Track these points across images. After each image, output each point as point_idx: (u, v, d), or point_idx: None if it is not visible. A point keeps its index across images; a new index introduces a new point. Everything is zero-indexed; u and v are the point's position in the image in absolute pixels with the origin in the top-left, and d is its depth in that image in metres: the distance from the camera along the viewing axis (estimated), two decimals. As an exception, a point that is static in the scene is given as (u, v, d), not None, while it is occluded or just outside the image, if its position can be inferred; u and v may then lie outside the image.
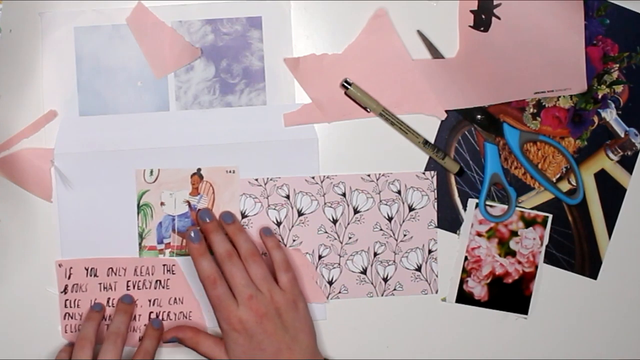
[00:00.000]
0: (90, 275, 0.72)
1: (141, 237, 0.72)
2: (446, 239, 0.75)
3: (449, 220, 0.75)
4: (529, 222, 0.75)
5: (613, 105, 0.75)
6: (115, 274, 0.72)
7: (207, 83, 0.72)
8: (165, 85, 0.72)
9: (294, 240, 0.73)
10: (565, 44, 0.74)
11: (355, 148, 0.73)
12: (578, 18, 0.74)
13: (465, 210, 0.75)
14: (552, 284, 0.76)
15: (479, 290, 0.75)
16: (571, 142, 0.75)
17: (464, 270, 0.75)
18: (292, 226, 0.73)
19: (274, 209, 0.73)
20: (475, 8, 0.73)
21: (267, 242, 0.71)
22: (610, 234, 0.76)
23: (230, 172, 0.72)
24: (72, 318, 0.72)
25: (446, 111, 0.74)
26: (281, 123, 0.72)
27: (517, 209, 0.75)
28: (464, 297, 0.75)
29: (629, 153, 0.76)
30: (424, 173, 0.73)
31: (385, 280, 0.73)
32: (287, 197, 0.72)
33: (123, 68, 0.72)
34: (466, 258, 0.75)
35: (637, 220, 0.76)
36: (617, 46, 0.75)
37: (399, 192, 0.73)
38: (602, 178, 0.76)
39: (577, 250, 0.76)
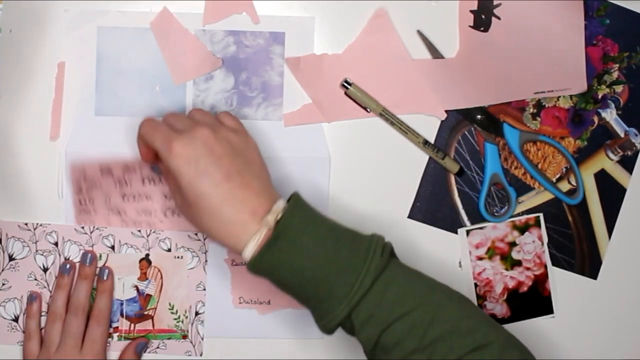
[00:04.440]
0: (105, 175, 0.71)
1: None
2: (446, 239, 0.75)
3: (449, 220, 0.75)
4: (523, 229, 0.75)
5: (613, 105, 0.75)
6: (131, 172, 0.71)
7: (225, 94, 0.72)
8: (183, 92, 0.72)
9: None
10: (565, 44, 0.74)
11: (355, 148, 0.73)
12: (578, 18, 0.74)
13: (465, 210, 0.75)
14: (552, 284, 0.76)
15: (499, 309, 0.75)
16: (571, 142, 0.75)
17: (478, 296, 0.75)
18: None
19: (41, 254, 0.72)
20: (475, 8, 0.73)
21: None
22: (610, 234, 0.76)
23: (178, 257, 0.72)
24: (87, 214, 0.71)
25: (446, 111, 0.74)
26: (295, 140, 0.73)
27: (508, 220, 0.75)
28: None
29: (629, 153, 0.76)
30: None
31: None
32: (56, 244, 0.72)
33: (142, 71, 0.72)
34: (476, 285, 0.75)
35: (637, 220, 0.76)
36: (617, 46, 0.75)
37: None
38: (602, 178, 0.76)
39: (577, 250, 0.76)
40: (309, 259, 0.58)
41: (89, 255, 0.71)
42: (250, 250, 0.59)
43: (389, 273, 0.59)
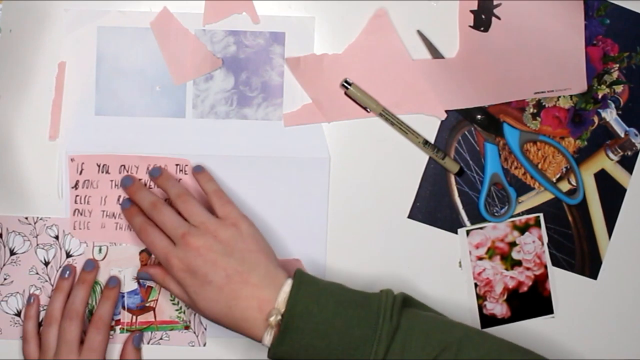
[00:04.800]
0: (102, 172, 0.71)
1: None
2: (446, 239, 0.75)
3: (449, 220, 0.75)
4: (523, 229, 0.75)
5: (613, 105, 0.75)
6: (127, 172, 0.71)
7: (225, 94, 0.72)
8: (184, 92, 0.72)
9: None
10: (565, 44, 0.74)
11: (355, 148, 0.73)
12: (578, 18, 0.74)
13: (465, 210, 0.75)
14: (552, 284, 0.76)
15: (499, 309, 0.75)
16: (571, 142, 0.75)
17: (478, 296, 0.75)
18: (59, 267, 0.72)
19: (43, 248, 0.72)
20: (475, 8, 0.73)
21: (199, 178, 0.70)
22: (610, 234, 0.76)
23: None
24: (81, 214, 0.71)
25: (446, 111, 0.74)
26: (295, 140, 0.73)
27: (508, 220, 0.75)
28: (488, 320, 0.75)
29: (629, 153, 0.76)
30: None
31: None
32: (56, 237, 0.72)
33: (142, 71, 0.72)
34: (476, 285, 0.75)
35: (637, 220, 0.76)
36: (617, 46, 0.75)
37: None
38: (602, 178, 0.76)
39: (577, 250, 0.76)
40: (321, 339, 0.60)
41: (91, 262, 0.71)
42: (266, 343, 0.62)
43: (401, 334, 0.60)
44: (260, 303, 0.62)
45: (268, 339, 0.61)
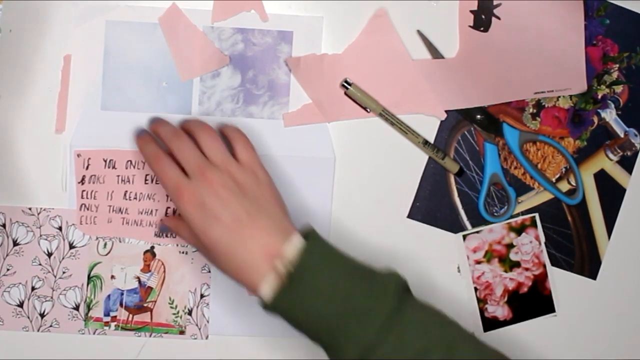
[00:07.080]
0: (109, 167, 0.72)
1: (88, 307, 0.72)
2: (446, 239, 0.75)
3: (449, 220, 0.75)
4: (519, 230, 0.75)
5: (613, 105, 0.75)
6: (134, 167, 0.72)
7: (231, 91, 0.72)
8: (190, 88, 0.72)
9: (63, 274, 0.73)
10: (565, 44, 0.74)
11: (354, 148, 0.74)
12: (578, 18, 0.74)
13: (464, 210, 0.75)
14: (552, 284, 0.76)
15: (500, 311, 0.75)
16: (571, 142, 0.75)
17: (479, 300, 0.75)
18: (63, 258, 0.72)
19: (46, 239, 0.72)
20: (475, 8, 0.73)
21: (226, 128, 0.69)
22: (609, 234, 0.76)
23: (183, 253, 0.73)
24: (88, 209, 0.72)
25: (446, 111, 0.74)
26: (300, 139, 0.73)
27: (503, 222, 0.75)
28: (490, 323, 0.75)
29: (629, 153, 0.76)
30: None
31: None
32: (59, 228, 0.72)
33: (149, 66, 0.72)
34: (476, 289, 0.75)
35: (636, 220, 0.76)
36: (617, 46, 0.75)
37: None
38: (602, 178, 0.76)
39: (576, 250, 0.76)
40: (323, 299, 0.58)
41: None
42: (265, 293, 0.59)
43: (401, 315, 0.58)
44: (267, 249, 0.60)
45: (266, 288, 0.59)
